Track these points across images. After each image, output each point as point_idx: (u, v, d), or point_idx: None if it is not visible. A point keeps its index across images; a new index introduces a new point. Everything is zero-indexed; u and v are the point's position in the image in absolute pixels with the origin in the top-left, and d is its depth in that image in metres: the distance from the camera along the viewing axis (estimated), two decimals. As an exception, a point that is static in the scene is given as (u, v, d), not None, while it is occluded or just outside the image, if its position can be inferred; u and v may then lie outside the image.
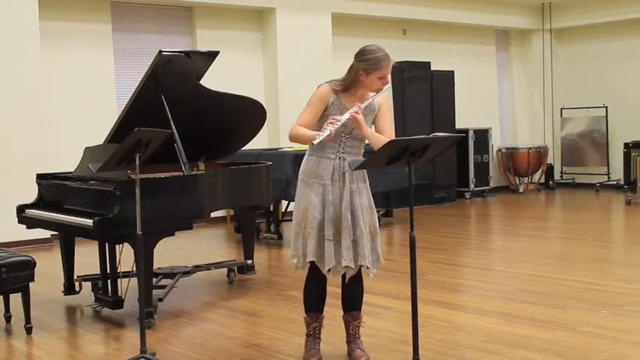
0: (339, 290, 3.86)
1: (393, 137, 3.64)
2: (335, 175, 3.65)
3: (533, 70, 13.11)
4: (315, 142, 3.48)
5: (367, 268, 3.68)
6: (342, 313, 3.87)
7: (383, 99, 3.76)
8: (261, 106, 5.69)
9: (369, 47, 3.65)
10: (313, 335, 3.83)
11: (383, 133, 3.71)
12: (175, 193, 4.72)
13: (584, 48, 12.80)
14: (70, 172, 5.32)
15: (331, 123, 3.49)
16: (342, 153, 3.68)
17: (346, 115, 3.52)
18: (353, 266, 3.64)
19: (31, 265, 4.58)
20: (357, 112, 3.52)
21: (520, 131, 13.26)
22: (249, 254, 5.97)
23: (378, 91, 3.67)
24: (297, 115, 3.71)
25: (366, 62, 3.61)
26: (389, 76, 3.69)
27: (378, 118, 3.74)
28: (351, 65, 3.69)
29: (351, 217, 3.64)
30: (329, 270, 3.65)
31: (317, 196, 3.64)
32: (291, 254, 3.75)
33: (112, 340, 4.49)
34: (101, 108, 8.56)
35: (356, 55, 3.67)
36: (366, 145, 3.77)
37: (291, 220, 8.58)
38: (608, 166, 12.27)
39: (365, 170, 3.71)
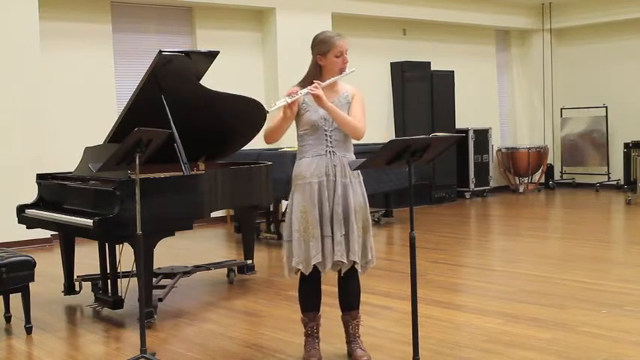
0: (337, 290, 3.86)
1: (361, 119, 3.69)
2: (328, 170, 3.66)
3: (533, 70, 13.11)
4: (271, 109, 3.53)
5: (355, 263, 3.67)
6: (341, 314, 3.87)
7: (355, 90, 3.80)
8: (262, 105, 5.68)
9: (318, 33, 3.76)
10: (312, 335, 3.83)
11: (353, 116, 3.71)
12: (175, 193, 4.72)
13: (584, 48, 12.80)
14: (70, 172, 5.32)
15: (289, 95, 3.55)
16: (332, 147, 3.68)
17: (304, 90, 3.56)
18: (345, 261, 3.63)
19: (31, 265, 4.58)
20: (315, 87, 3.55)
21: (520, 131, 13.26)
22: (249, 254, 5.97)
23: (342, 71, 3.69)
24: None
25: (319, 45, 3.70)
26: (347, 56, 3.72)
27: (350, 105, 3.75)
28: (311, 59, 3.75)
29: (343, 211, 3.64)
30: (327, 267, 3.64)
31: (313, 197, 3.63)
32: (295, 262, 3.66)
33: (112, 340, 4.49)
34: (101, 108, 8.56)
35: (310, 45, 3.75)
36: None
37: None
38: (608, 166, 12.27)
39: None
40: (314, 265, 3.64)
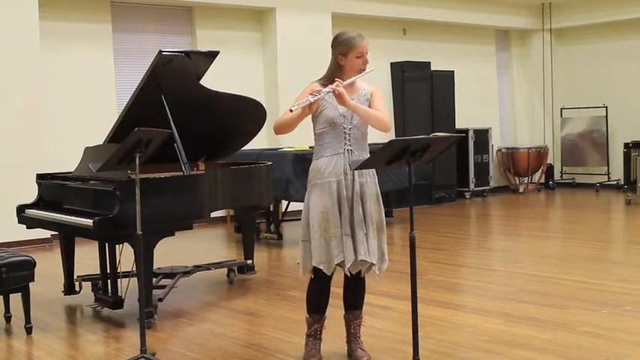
0: (339, 290, 3.85)
1: (385, 113, 3.71)
2: (346, 169, 3.64)
3: (533, 70, 13.11)
4: (294, 108, 3.51)
5: (373, 264, 3.66)
6: (344, 313, 3.87)
7: (373, 88, 3.81)
8: (261, 105, 5.69)
9: (340, 32, 3.74)
10: (314, 336, 3.81)
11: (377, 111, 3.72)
12: (175, 193, 4.72)
13: (584, 48, 12.80)
14: (70, 172, 5.32)
15: (312, 94, 3.53)
16: (350, 146, 3.67)
17: (327, 89, 3.55)
18: (369, 260, 3.61)
19: (31, 265, 4.58)
20: (337, 86, 3.53)
21: (520, 131, 13.26)
22: (249, 254, 5.97)
23: (361, 71, 3.70)
24: None
25: (340, 45, 3.68)
26: (368, 56, 3.72)
27: (371, 102, 3.75)
28: (331, 57, 3.73)
29: (363, 211, 3.64)
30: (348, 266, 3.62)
31: (331, 196, 3.61)
32: (315, 262, 3.60)
33: (112, 340, 4.49)
34: (101, 108, 8.56)
35: (331, 44, 3.73)
36: (368, 144, 3.77)
37: (291, 220, 8.52)
38: (608, 166, 12.27)
39: None
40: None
